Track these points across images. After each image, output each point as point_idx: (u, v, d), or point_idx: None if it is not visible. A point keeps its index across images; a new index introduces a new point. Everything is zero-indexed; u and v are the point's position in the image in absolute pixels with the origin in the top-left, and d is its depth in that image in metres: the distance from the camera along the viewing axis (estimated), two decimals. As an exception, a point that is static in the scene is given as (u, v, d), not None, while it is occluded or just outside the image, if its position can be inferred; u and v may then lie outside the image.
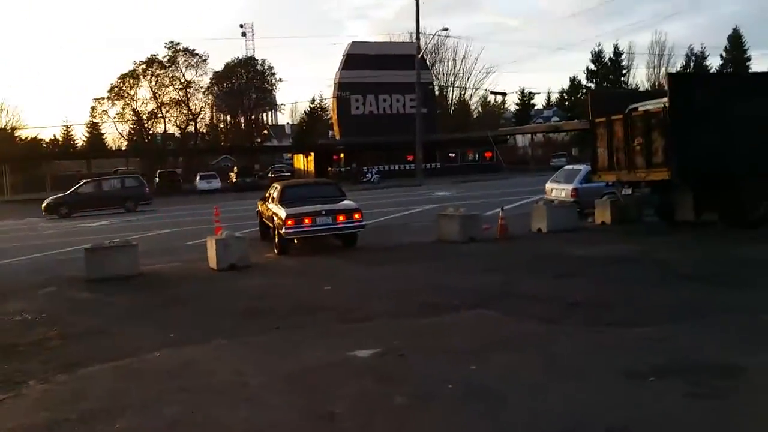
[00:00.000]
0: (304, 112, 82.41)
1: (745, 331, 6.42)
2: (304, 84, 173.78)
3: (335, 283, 10.09)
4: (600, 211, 15.49)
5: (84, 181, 33.06)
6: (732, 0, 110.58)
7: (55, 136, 77.19)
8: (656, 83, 66.11)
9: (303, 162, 62.65)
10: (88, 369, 6.34)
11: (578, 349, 6.15)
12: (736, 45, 71.89)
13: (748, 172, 13.16)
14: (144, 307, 9.28)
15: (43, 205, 30.01)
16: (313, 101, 78.94)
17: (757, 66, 71.55)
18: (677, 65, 71.44)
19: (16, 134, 70.76)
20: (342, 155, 55.18)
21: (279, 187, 15.07)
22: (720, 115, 13.02)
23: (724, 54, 71.91)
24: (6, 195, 50.24)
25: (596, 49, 68.55)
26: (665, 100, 13.20)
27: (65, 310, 9.29)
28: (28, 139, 72.31)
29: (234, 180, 50.57)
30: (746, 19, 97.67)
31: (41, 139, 74.71)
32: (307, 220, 13.34)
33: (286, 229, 13.27)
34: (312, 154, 58.95)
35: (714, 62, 71.63)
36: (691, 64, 71.01)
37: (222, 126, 76.42)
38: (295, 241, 13.90)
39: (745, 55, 71.52)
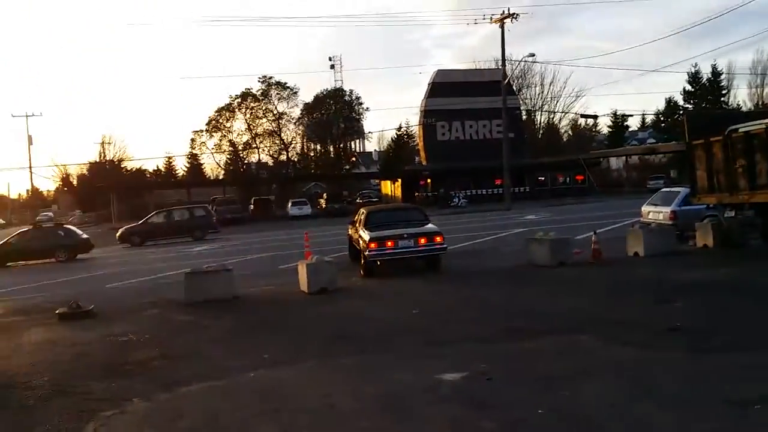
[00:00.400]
0: (391, 139, 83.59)
1: None
2: (391, 112, 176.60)
3: (422, 307, 10.11)
4: (701, 234, 14.75)
5: (155, 211, 34.02)
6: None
7: (158, 166, 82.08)
8: (760, 103, 62.54)
9: (390, 188, 63.33)
10: (187, 388, 6.63)
11: (678, 376, 5.86)
12: None
13: None
14: (239, 329, 9.62)
15: (118, 234, 31.16)
16: (399, 128, 80.00)
17: None
18: (783, 84, 67.30)
19: (122, 165, 75.74)
20: (429, 180, 55.38)
21: (365, 211, 15.56)
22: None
23: (834, 70, 67.11)
24: (113, 222, 53.54)
25: (693, 70, 65.84)
26: (767, 121, 12.57)
27: (166, 331, 9.78)
28: (134, 170, 77.28)
29: (323, 206, 51.82)
30: None
31: (145, 170, 79.71)
32: (389, 243, 13.70)
33: (369, 251, 13.71)
34: (399, 179, 59.51)
35: (825, 79, 66.90)
36: (797, 82, 66.68)
37: (312, 154, 78.56)
38: (378, 263, 14.15)
39: None
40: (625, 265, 13.16)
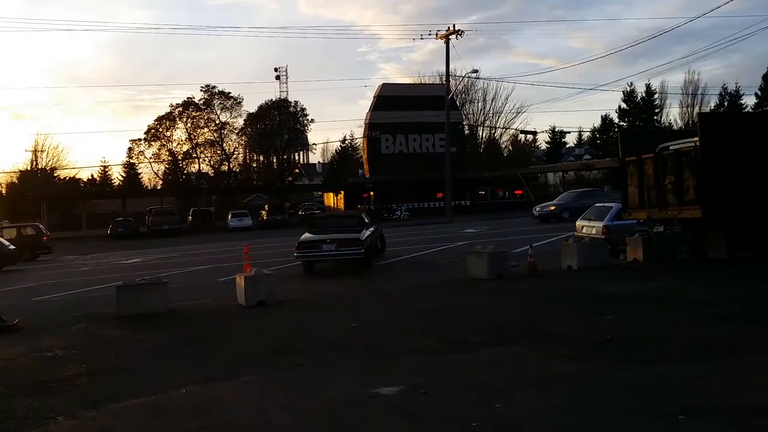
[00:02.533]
0: (335, 151, 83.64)
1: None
2: (336, 124, 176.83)
3: (362, 320, 10.07)
4: (632, 248, 15.27)
5: None
6: (766, 39, 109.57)
7: (92, 175, 79.49)
8: (690, 122, 65.49)
9: (333, 200, 63.19)
10: (116, 405, 6.39)
11: (607, 387, 6.01)
12: (771, 84, 70.85)
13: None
14: (172, 343, 9.36)
15: None
16: (344, 141, 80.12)
17: (793, 103, 70.32)
18: (711, 104, 70.84)
19: (55, 174, 72.96)
20: (372, 193, 55.55)
21: (313, 217, 18.46)
22: (751, 153, 12.91)
23: (759, 93, 70.97)
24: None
25: (628, 89, 68.49)
26: (696, 139, 13.13)
27: (96, 346, 9.42)
28: (67, 178, 74.53)
29: (265, 218, 51.24)
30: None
31: (79, 179, 76.98)
32: (314, 246, 16.00)
33: (297, 252, 16.21)
34: (342, 192, 59.50)
35: (749, 101, 70.74)
36: (725, 103, 70.29)
37: (254, 165, 77.72)
38: (313, 263, 16.49)
39: (781, 94, 70.41)
40: (559, 278, 13.48)
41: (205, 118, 66.85)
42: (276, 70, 78.01)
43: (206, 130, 67.46)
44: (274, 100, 70.69)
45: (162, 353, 8.81)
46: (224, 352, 8.61)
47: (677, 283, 11.99)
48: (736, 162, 12.82)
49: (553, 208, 34.58)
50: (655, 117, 69.42)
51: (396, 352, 7.80)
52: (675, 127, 62.95)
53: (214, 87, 66.55)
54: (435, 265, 17.81)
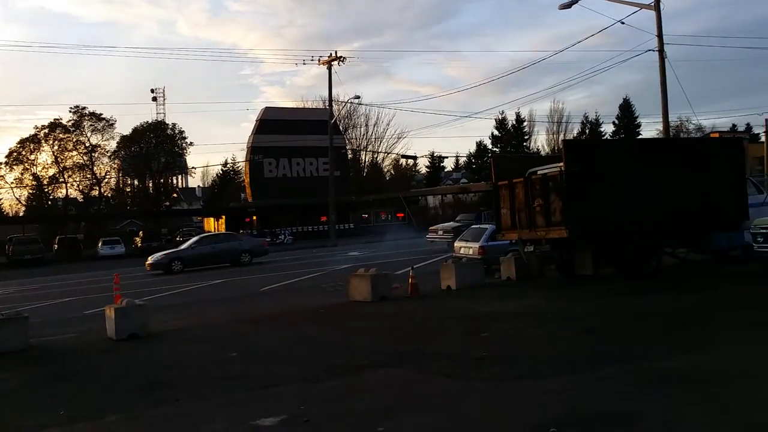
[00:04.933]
0: (216, 175, 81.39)
1: (641, 380, 6.67)
2: (217, 147, 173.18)
3: (242, 349, 9.78)
4: (505, 267, 15.98)
5: None
6: (623, 72, 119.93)
7: (-56, 201, 72.21)
8: (555, 148, 69.89)
9: (214, 225, 61.39)
10: (-38, 455, 5.78)
11: (484, 404, 6.19)
12: (626, 113, 77.43)
13: (638, 229, 14.04)
14: (33, 383, 8.61)
15: None
16: (225, 164, 78.17)
17: (645, 132, 77.16)
18: (574, 131, 76.15)
19: None
20: (255, 217, 54.56)
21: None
22: (611, 178, 13.93)
23: (616, 121, 77.27)
24: None
25: (500, 116, 72.13)
26: (561, 164, 13.99)
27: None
28: None
29: (140, 245, 48.75)
30: (636, 89, 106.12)
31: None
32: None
33: None
34: (223, 216, 58.01)
35: (608, 129, 76.79)
36: (587, 131, 75.86)
37: (128, 190, 73.97)
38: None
39: (635, 122, 77.06)
40: (439, 298, 13.83)
41: (74, 140, 62.90)
42: (153, 91, 75.13)
43: (75, 153, 63.45)
44: (150, 122, 67.94)
45: (20, 394, 8.07)
46: (91, 390, 8.03)
47: (546, 300, 12.66)
48: (597, 185, 13.79)
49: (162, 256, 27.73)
50: (524, 143, 73.50)
51: (278, 381, 7.62)
52: (543, 153, 67.03)
53: (84, 108, 62.86)
54: (318, 289, 17.70)
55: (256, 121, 56.90)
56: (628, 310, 10.94)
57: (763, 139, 53.83)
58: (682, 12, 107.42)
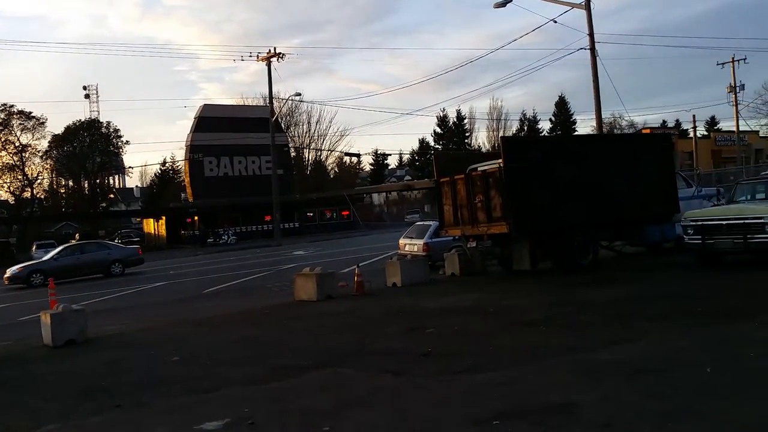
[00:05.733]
0: (155, 174, 79.52)
1: (582, 370, 6.87)
2: (155, 146, 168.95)
3: (184, 352, 9.60)
4: (449, 263, 16.21)
5: None
6: (559, 70, 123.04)
7: None
8: (495, 145, 71.15)
9: (154, 226, 59.94)
10: None
11: (428, 399, 6.27)
12: (562, 110, 79.65)
13: (574, 224, 14.45)
14: (-39, 395, 8.24)
15: None
16: (164, 164, 76.51)
17: (581, 128, 79.60)
18: (513, 128, 77.83)
19: None
20: (196, 218, 53.54)
21: None
22: (548, 173, 14.28)
23: (553, 118, 79.34)
24: None
25: (441, 114, 73.01)
26: (500, 161, 14.25)
27: None
28: None
29: (76, 248, 47.12)
30: (571, 86, 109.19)
31: None
32: None
33: None
34: (164, 217, 56.69)
35: (545, 125, 78.84)
36: (525, 128, 77.65)
37: (63, 191, 71.38)
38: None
39: (571, 119, 79.38)
40: (385, 296, 13.91)
41: (3, 140, 60.35)
42: (85, 88, 72.62)
43: (4, 153, 60.91)
44: (83, 120, 65.71)
45: (-52, 408, 7.71)
46: (26, 398, 7.74)
47: (488, 295, 12.90)
48: (535, 181, 14.12)
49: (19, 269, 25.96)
50: (466, 140, 74.73)
51: (221, 384, 7.52)
52: (484, 150, 68.20)
53: (12, 106, 60.36)
54: (263, 289, 17.55)
55: (195, 118, 55.84)
56: (567, 302, 11.25)
57: (691, 134, 56.25)
58: (613, 11, 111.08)
